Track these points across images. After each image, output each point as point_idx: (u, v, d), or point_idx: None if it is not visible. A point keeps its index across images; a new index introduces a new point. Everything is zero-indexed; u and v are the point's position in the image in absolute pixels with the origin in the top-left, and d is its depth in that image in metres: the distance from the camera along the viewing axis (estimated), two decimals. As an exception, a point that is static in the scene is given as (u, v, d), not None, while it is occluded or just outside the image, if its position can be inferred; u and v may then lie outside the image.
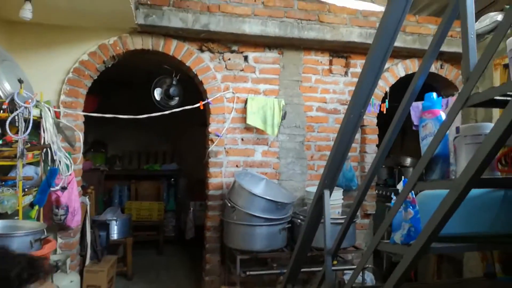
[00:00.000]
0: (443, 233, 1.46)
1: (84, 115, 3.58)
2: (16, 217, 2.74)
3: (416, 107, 4.09)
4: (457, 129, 1.46)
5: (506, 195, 1.68)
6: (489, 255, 2.09)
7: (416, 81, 1.59)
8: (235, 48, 3.87)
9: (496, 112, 2.29)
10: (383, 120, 4.09)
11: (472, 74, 1.24)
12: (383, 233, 1.66)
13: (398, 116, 1.77)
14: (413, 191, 1.56)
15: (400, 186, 1.64)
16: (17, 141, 2.73)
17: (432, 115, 1.52)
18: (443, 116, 1.52)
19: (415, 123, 3.99)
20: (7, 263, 0.84)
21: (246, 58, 3.91)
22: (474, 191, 1.65)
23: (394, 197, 1.66)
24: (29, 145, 2.88)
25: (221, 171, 3.91)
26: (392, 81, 4.21)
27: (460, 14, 1.32)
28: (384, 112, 4.08)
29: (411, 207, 1.56)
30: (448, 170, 1.50)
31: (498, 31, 1.20)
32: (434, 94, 1.58)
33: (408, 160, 5.53)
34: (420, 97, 1.82)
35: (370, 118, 4.18)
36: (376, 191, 4.52)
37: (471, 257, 2.43)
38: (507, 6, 2.17)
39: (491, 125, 1.33)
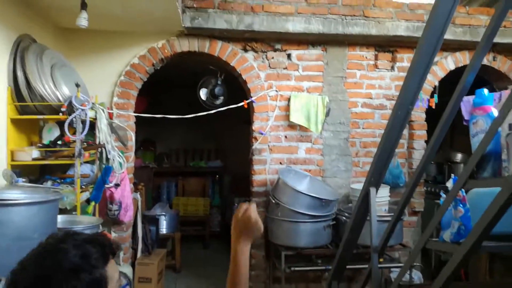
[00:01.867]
0: (494, 231, 1.42)
1: (135, 116, 3.75)
2: (74, 213, 2.93)
3: (467, 102, 3.91)
4: (510, 126, 1.42)
5: None
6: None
7: (466, 76, 1.55)
8: (278, 46, 3.90)
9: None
10: (432, 116, 3.97)
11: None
12: (431, 231, 1.64)
13: (448, 113, 1.73)
14: (463, 189, 1.53)
15: (449, 184, 1.61)
16: (75, 141, 2.91)
17: (483, 112, 1.48)
18: (495, 112, 1.47)
19: (466, 118, 3.82)
20: (91, 243, 0.93)
21: (289, 56, 3.93)
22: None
23: (444, 195, 1.63)
24: (85, 145, 3.07)
25: (265, 168, 3.96)
26: (442, 75, 4.08)
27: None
28: (433, 107, 3.96)
29: (461, 205, 1.53)
30: (500, 167, 1.46)
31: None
32: (486, 90, 1.53)
33: (459, 156, 5.32)
34: (471, 91, 1.77)
35: (418, 114, 4.07)
36: (425, 188, 4.39)
37: (527, 257, 2.33)
38: None
39: (547, 121, 1.28)
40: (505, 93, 3.84)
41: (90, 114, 3.08)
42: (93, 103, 3.15)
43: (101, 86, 3.58)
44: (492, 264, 3.62)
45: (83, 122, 2.92)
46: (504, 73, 4.16)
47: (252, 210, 1.18)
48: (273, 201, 3.54)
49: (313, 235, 3.48)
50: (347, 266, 2.92)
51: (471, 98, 3.77)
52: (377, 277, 2.25)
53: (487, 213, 1.35)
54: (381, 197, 3.61)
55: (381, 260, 3.55)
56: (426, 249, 4.66)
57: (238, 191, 6.46)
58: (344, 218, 3.59)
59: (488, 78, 4.39)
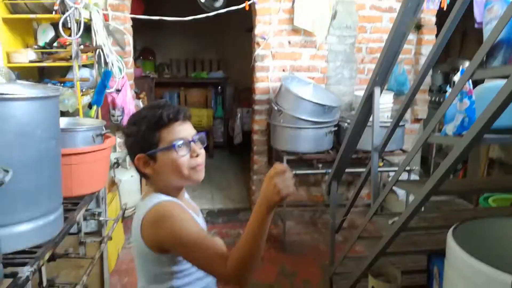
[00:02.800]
0: (498, 125, 1.40)
1: (132, 19, 3.59)
2: (77, 116, 2.94)
3: (480, 2, 3.71)
4: (528, 9, 1.32)
5: None
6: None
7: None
8: None
9: None
10: (443, 19, 3.78)
11: None
12: (434, 125, 1.62)
13: (457, 7, 1.62)
14: (470, 81, 1.48)
15: (457, 77, 1.55)
16: (71, 43, 2.82)
17: (500, -5, 1.37)
18: (514, -4, 1.37)
19: (478, 20, 3.64)
20: (158, 108, 1.18)
21: (294, -49, 3.63)
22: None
23: (449, 89, 1.59)
24: (82, 47, 2.97)
25: (267, 76, 3.89)
26: (457, -27, 3.80)
27: None
28: (445, 8, 3.74)
29: (467, 97, 1.50)
30: (511, 55, 1.39)
31: None
32: (506, -30, 1.41)
33: (467, 64, 5.17)
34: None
35: (428, 17, 3.88)
36: (429, 97, 4.34)
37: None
38: None
39: None
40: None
41: (84, 14, 2.95)
42: (86, 3, 3.00)
43: (93, -15, 3.37)
44: (490, 169, 3.70)
45: (78, 22, 2.80)
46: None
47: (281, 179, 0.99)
48: (276, 108, 3.52)
49: (314, 141, 3.51)
50: (347, 170, 2.98)
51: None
52: (375, 176, 2.29)
53: (493, 102, 1.32)
54: (385, 103, 3.58)
55: (380, 164, 3.65)
56: (426, 157, 4.76)
57: (241, 102, 6.44)
58: (346, 124, 3.60)
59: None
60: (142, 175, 1.25)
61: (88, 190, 2.45)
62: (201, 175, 1.23)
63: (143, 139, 1.18)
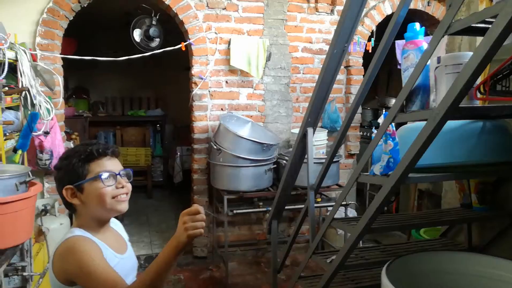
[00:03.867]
0: (421, 164, 1.50)
1: (63, 58, 3.46)
2: (-1, 162, 2.73)
3: (401, 45, 4.04)
4: (438, 59, 1.46)
5: (484, 125, 1.71)
6: (466, 186, 2.16)
7: (399, 10, 1.55)
8: (216, -16, 3.71)
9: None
10: (369, 61, 4.05)
11: (455, 0, 1.22)
12: (363, 165, 1.70)
13: (380, 49, 1.75)
14: (393, 124, 1.58)
15: (381, 119, 1.65)
16: (-7, 85, 2.65)
17: (414, 46, 1.50)
18: (426, 46, 1.50)
19: (400, 61, 3.97)
20: (89, 145, 1.31)
21: (228, -5, 3.76)
22: (451, 123, 1.68)
23: (375, 131, 1.68)
24: (7, 88, 2.80)
25: (206, 115, 3.90)
26: (379, 19, 4.13)
27: None
28: (370, 51, 4.03)
29: (391, 139, 1.59)
30: (428, 101, 1.51)
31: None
32: (417, 25, 1.55)
33: (393, 102, 5.56)
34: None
35: (355, 58, 4.14)
36: (361, 132, 4.57)
37: (449, 190, 2.53)
38: None
39: (471, 54, 1.32)
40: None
41: (9, 55, 2.81)
42: (11, 43, 2.86)
43: (20, 25, 3.23)
44: (420, 200, 3.91)
45: (1, 63, 2.65)
46: (437, 18, 4.29)
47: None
48: (215, 147, 3.52)
49: (254, 179, 3.53)
50: (286, 207, 3.01)
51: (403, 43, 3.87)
52: (313, 214, 2.34)
53: (414, 144, 1.41)
54: (319, 141, 3.71)
55: (318, 200, 3.74)
56: (361, 190, 4.95)
57: (180, 140, 6.36)
58: (284, 161, 3.66)
59: (422, 24, 4.51)
60: (69, 207, 1.33)
61: (11, 242, 2.26)
62: (124, 206, 1.33)
63: (72, 171, 1.28)
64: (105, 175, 1.27)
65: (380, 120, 1.64)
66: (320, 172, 2.28)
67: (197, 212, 1.08)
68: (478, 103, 1.48)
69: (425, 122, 1.39)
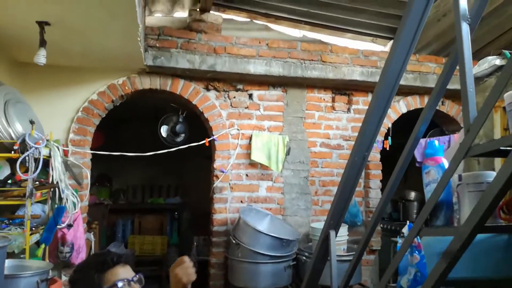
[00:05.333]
0: (450, 277, 1.47)
1: (91, 153, 3.65)
2: (22, 256, 2.75)
3: (419, 145, 4.14)
4: (460, 176, 1.50)
5: (510, 239, 1.70)
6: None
7: (419, 127, 1.64)
8: (240, 86, 3.97)
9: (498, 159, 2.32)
10: (387, 156, 4.14)
11: (472, 126, 1.29)
12: (389, 278, 1.67)
13: (402, 160, 1.81)
14: (418, 236, 1.58)
15: (405, 230, 1.66)
16: (26, 180, 2.78)
17: (434, 163, 1.56)
18: (445, 163, 1.56)
19: (418, 159, 4.03)
20: (102, 256, 1.44)
21: (251, 96, 4.00)
22: (479, 235, 1.67)
23: (400, 240, 1.68)
24: (37, 184, 2.93)
25: (225, 207, 3.93)
26: (394, 117, 4.29)
27: (459, 68, 1.39)
28: (387, 148, 4.13)
29: (416, 252, 1.58)
30: (452, 216, 1.53)
31: (497, 84, 1.26)
32: (436, 142, 1.63)
33: (412, 194, 5.52)
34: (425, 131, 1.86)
35: (373, 154, 4.23)
36: (381, 225, 4.51)
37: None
38: (507, 53, 2.25)
39: (492, 173, 1.37)
40: (454, 137, 4.09)
41: (44, 151, 2.97)
42: (47, 141, 3.05)
43: (57, 122, 3.47)
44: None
45: (36, 160, 2.80)
46: (452, 116, 4.44)
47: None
48: (234, 241, 3.50)
49: (273, 276, 3.44)
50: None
51: (423, 141, 3.97)
52: (337, 322, 2.24)
53: (441, 261, 1.40)
54: (340, 237, 3.65)
55: (340, 300, 3.58)
56: None
57: (197, 229, 6.31)
58: (304, 258, 3.59)
59: (437, 121, 4.66)
60: None
61: None
62: None
63: (89, 283, 1.39)
64: (120, 284, 1.38)
65: (405, 230, 1.65)
66: (345, 275, 2.23)
67: (184, 261, 1.28)
68: (502, 222, 1.49)
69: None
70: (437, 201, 1.48)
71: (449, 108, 4.43)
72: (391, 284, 1.74)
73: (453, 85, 4.09)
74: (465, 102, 1.31)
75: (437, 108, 4.38)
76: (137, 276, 1.47)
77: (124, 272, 1.43)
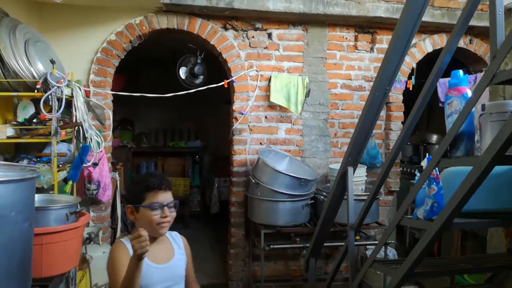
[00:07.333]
0: (466, 208, 1.48)
1: (113, 94, 3.69)
2: (51, 192, 2.89)
3: (443, 84, 4.02)
4: (483, 106, 1.46)
5: (532, 172, 1.67)
6: (513, 231, 2.09)
7: (442, 58, 1.58)
8: (259, 25, 3.86)
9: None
10: (409, 97, 4.04)
11: (499, 51, 1.24)
12: (406, 209, 1.69)
13: (424, 93, 1.77)
14: (437, 168, 1.58)
15: (424, 163, 1.65)
16: (50, 119, 2.85)
17: (458, 93, 1.51)
18: (470, 93, 1.51)
19: (442, 99, 3.93)
20: (151, 177, 1.68)
21: (270, 35, 3.90)
22: (498, 168, 1.65)
23: (418, 174, 1.68)
24: (62, 123, 3.00)
25: (245, 149, 3.98)
26: (419, 57, 4.13)
27: (489, -11, 1.31)
28: (410, 88, 4.02)
29: (434, 183, 1.58)
30: (473, 147, 1.51)
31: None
32: (461, 72, 1.57)
33: (434, 137, 5.46)
34: (447, 73, 1.81)
35: (395, 95, 4.14)
36: (401, 168, 4.50)
37: (494, 233, 2.44)
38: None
39: (517, 102, 1.32)
40: (480, 76, 3.94)
41: (66, 91, 3.01)
42: (69, 81, 3.08)
43: (77, 63, 3.49)
44: (464, 241, 3.77)
45: (59, 99, 2.84)
46: (480, 56, 4.24)
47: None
48: (253, 181, 3.57)
49: (292, 214, 3.53)
50: (325, 244, 2.99)
51: (447, 80, 3.84)
52: (353, 254, 2.31)
53: (459, 191, 1.41)
54: (358, 177, 3.68)
55: (357, 237, 3.68)
56: (401, 228, 4.82)
57: (218, 171, 6.47)
58: (322, 197, 3.66)
59: (464, 61, 4.47)
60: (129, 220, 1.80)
61: (59, 270, 2.35)
62: (164, 230, 1.68)
63: (134, 195, 1.68)
64: (155, 205, 1.62)
65: (423, 163, 1.64)
66: (360, 212, 2.28)
67: (140, 235, 1.38)
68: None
69: (470, 167, 1.38)
70: (458, 132, 1.46)
71: (477, 47, 4.23)
72: (407, 216, 1.75)
73: (483, 21, 3.93)
74: (493, 26, 1.24)
75: (465, 47, 4.19)
76: (173, 202, 1.67)
77: (163, 196, 1.64)
